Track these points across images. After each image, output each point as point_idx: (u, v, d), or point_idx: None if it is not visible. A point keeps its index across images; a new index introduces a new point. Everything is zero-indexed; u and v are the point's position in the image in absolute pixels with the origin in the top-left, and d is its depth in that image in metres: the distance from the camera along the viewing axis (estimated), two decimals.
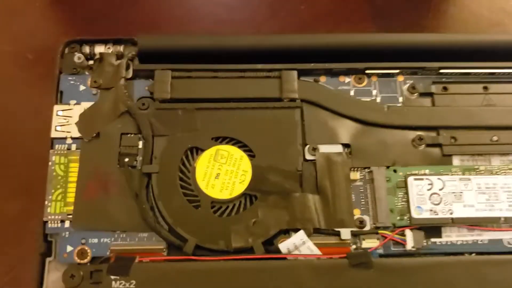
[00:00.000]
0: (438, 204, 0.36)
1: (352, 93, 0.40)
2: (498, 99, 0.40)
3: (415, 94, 0.40)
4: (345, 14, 0.50)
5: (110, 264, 0.34)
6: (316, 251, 0.35)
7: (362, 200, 0.37)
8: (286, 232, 0.36)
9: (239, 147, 0.38)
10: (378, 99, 0.40)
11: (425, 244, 0.36)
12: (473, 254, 0.37)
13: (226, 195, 0.36)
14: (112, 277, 0.34)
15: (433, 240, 0.36)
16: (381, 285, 0.35)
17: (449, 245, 0.36)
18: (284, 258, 0.35)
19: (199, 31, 0.49)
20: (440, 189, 0.37)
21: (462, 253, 0.36)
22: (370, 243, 0.36)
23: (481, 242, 0.37)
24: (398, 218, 0.36)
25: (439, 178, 0.37)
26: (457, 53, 0.40)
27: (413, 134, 0.39)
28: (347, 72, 0.40)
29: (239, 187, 0.36)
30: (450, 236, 0.37)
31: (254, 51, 0.40)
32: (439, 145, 0.39)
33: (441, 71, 0.41)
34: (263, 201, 0.36)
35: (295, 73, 0.39)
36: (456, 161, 0.38)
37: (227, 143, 0.38)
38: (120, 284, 0.34)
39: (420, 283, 0.35)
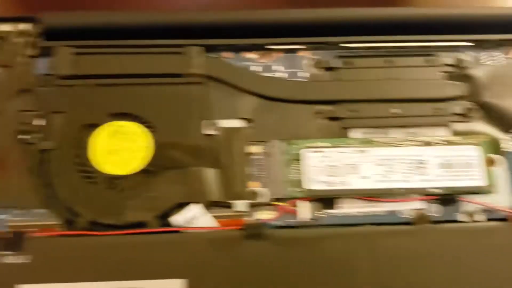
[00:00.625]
0: (333, 176, 0.37)
1: (257, 68, 0.40)
2: (402, 73, 0.40)
3: (319, 69, 0.40)
4: None
5: (1, 239, 0.34)
6: (212, 223, 0.36)
7: (261, 173, 0.37)
8: (183, 206, 0.36)
9: (140, 123, 0.38)
10: (283, 74, 0.40)
11: (320, 215, 0.37)
12: (372, 225, 0.37)
13: (123, 171, 0.36)
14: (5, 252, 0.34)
15: (328, 211, 0.37)
16: (276, 256, 0.35)
17: (345, 217, 0.37)
18: (178, 232, 0.35)
19: None
20: (336, 161, 0.37)
21: (357, 224, 0.37)
22: (265, 215, 0.36)
23: (376, 213, 0.37)
24: (293, 190, 0.37)
25: (335, 151, 0.37)
26: (362, 27, 0.41)
27: (313, 108, 0.39)
28: (252, 48, 0.40)
29: (138, 163, 0.37)
30: (346, 208, 0.37)
31: (159, 27, 0.40)
32: (338, 119, 0.39)
33: (347, 45, 0.41)
34: (160, 176, 0.36)
35: (198, 48, 0.40)
36: (355, 133, 0.39)
37: (126, 119, 0.38)
38: (16, 258, 0.34)
39: (314, 253, 0.35)
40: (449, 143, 0.38)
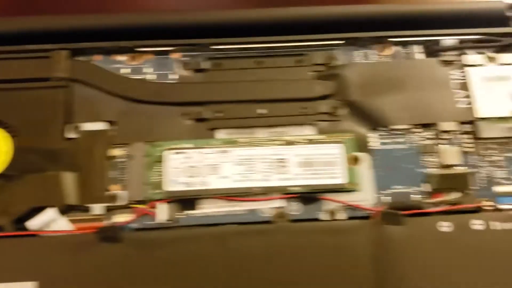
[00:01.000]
0: (193, 176, 0.37)
1: (126, 71, 0.40)
2: (272, 73, 0.40)
3: (189, 71, 0.40)
4: None
5: None
6: (68, 227, 0.36)
7: (123, 176, 0.37)
8: (40, 210, 0.36)
9: (3, 128, 0.38)
10: (152, 76, 0.40)
11: (180, 216, 0.37)
12: (231, 225, 0.37)
13: None
14: None
15: (188, 212, 0.37)
16: (131, 258, 0.35)
17: (205, 217, 0.37)
18: (33, 235, 0.35)
19: None
20: (198, 162, 0.37)
21: (217, 224, 0.37)
22: (123, 218, 0.36)
23: (237, 213, 0.37)
24: (153, 192, 0.37)
25: (198, 152, 0.37)
26: (233, 28, 0.41)
27: (180, 109, 0.39)
28: (121, 50, 0.41)
29: None
30: (206, 208, 0.37)
31: (26, 32, 0.40)
32: (205, 120, 0.39)
33: (217, 46, 0.41)
34: (18, 181, 0.36)
35: (65, 52, 0.40)
36: (221, 134, 0.39)
37: None
38: None
39: (171, 255, 0.35)
40: (312, 141, 0.38)
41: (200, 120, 0.39)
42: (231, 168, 0.37)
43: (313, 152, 0.38)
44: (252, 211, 0.37)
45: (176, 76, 0.40)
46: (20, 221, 0.36)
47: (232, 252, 0.35)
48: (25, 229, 0.36)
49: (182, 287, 0.35)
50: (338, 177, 0.37)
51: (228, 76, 0.40)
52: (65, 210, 0.36)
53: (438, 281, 0.35)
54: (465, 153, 0.39)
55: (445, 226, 0.36)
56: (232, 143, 0.38)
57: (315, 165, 0.37)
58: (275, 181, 0.37)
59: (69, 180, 0.37)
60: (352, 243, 0.36)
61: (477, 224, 0.36)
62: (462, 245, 0.36)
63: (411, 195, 0.38)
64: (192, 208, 0.37)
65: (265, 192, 0.37)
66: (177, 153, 0.37)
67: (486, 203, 0.37)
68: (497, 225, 0.36)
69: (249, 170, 0.37)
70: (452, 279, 0.35)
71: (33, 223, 0.36)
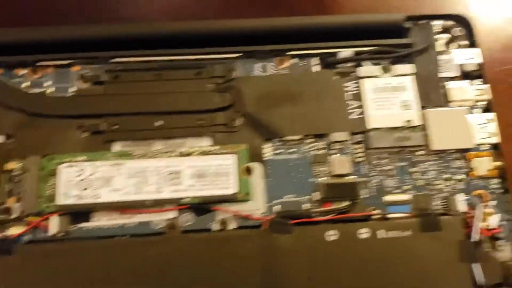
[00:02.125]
0: (85, 189, 0.37)
1: (26, 84, 0.41)
2: (171, 86, 0.41)
3: (88, 83, 0.41)
4: None
5: None
6: None
7: (19, 189, 0.38)
8: None
9: None
10: (52, 90, 0.41)
11: (71, 229, 0.37)
12: (122, 237, 0.37)
13: None
14: None
15: (80, 225, 0.37)
16: (24, 270, 0.36)
17: (98, 229, 0.38)
18: None
19: None
20: (91, 175, 0.38)
21: (109, 236, 0.37)
22: (16, 230, 0.37)
23: (129, 225, 0.38)
24: (46, 205, 0.37)
25: (92, 164, 0.38)
26: (134, 41, 0.41)
27: (77, 122, 0.40)
28: (21, 64, 0.41)
29: None
30: (99, 221, 0.38)
31: None
32: (101, 132, 0.39)
33: (118, 60, 0.41)
34: None
35: None
36: (117, 147, 0.39)
37: None
38: None
39: (64, 267, 0.36)
40: (206, 153, 0.39)
41: (96, 132, 0.39)
42: (123, 181, 0.38)
43: (207, 163, 0.39)
44: (144, 223, 0.38)
45: (75, 89, 0.41)
46: None
47: (123, 264, 0.36)
48: None
49: None
50: (230, 188, 0.38)
51: (126, 89, 0.41)
52: None
53: (321, 286, 0.36)
54: (356, 163, 0.40)
55: (332, 234, 0.37)
56: (126, 155, 0.39)
57: (208, 176, 0.38)
58: (167, 193, 0.38)
59: None
60: (242, 252, 0.37)
61: (363, 232, 0.37)
62: (348, 253, 0.37)
63: (302, 204, 0.38)
64: (85, 220, 0.38)
65: (158, 204, 0.37)
66: (70, 166, 0.38)
67: (374, 212, 0.38)
68: (383, 234, 0.37)
69: (142, 182, 0.38)
70: (334, 285, 0.36)
71: None
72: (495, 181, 0.40)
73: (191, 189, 0.38)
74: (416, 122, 0.40)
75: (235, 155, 0.39)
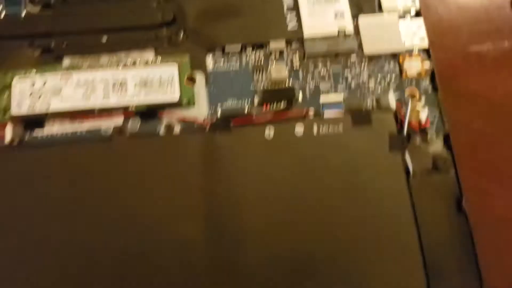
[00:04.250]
0: (38, 100, 0.40)
1: None
2: (115, 4, 0.43)
3: (36, 6, 0.43)
4: None
5: None
6: None
7: None
8: None
9: None
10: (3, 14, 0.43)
11: (26, 138, 0.40)
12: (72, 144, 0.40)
13: None
14: None
15: (34, 134, 0.40)
16: None
17: (50, 137, 0.40)
18: None
19: None
20: (42, 87, 0.40)
21: (60, 144, 0.40)
22: None
23: (78, 132, 0.40)
24: (1, 114, 0.39)
25: (43, 77, 0.40)
26: None
27: (28, 42, 0.42)
28: None
29: None
30: (51, 130, 0.40)
31: None
32: (51, 50, 0.42)
33: None
34: None
35: None
36: (66, 62, 0.42)
37: None
38: None
39: (18, 175, 0.38)
40: (150, 64, 0.41)
41: (47, 50, 0.42)
42: (72, 91, 0.40)
43: (151, 73, 0.41)
44: (93, 130, 0.40)
45: (24, 11, 0.43)
46: None
47: (75, 169, 0.38)
48: None
49: (26, 204, 0.38)
50: (175, 94, 0.40)
51: (74, 9, 0.43)
52: None
53: (261, 184, 0.39)
54: (294, 70, 0.42)
55: (270, 133, 0.40)
56: (75, 67, 0.41)
57: (153, 85, 0.40)
58: (114, 101, 0.40)
59: None
60: (187, 153, 0.39)
61: (299, 130, 0.40)
62: (286, 150, 0.39)
63: (243, 110, 0.41)
64: (37, 128, 0.40)
65: (105, 112, 0.40)
66: (23, 79, 0.40)
67: (310, 113, 0.41)
68: (317, 130, 0.40)
69: (90, 91, 0.40)
70: (273, 182, 0.39)
71: None
72: (425, 81, 0.42)
73: (137, 96, 0.40)
74: (349, 29, 0.43)
75: (177, 64, 0.41)
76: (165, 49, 0.42)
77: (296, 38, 0.43)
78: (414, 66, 0.42)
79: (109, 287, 0.36)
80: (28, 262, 0.36)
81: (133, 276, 0.36)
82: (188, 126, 0.41)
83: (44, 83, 0.40)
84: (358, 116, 0.40)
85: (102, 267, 0.36)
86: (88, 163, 0.39)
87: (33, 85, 0.40)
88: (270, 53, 0.43)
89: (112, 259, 0.37)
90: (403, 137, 0.40)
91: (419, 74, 0.42)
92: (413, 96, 0.42)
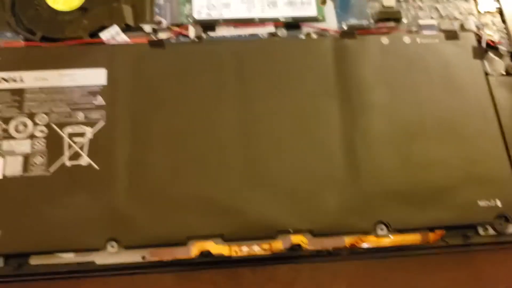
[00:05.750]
0: (212, 9, 0.54)
1: None
2: None
3: None
4: None
5: None
6: (126, 39, 0.53)
7: (161, 10, 0.55)
8: (107, 27, 0.53)
9: None
10: None
11: (204, 36, 0.54)
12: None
13: (66, 8, 0.53)
14: None
15: (209, 33, 0.54)
16: (172, 60, 0.51)
17: (221, 37, 0.54)
18: (102, 43, 0.52)
19: None
20: (215, 1, 0.55)
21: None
22: (165, 35, 0.54)
23: (243, 35, 0.54)
24: (185, 19, 0.54)
25: None
26: None
27: None
28: None
29: (76, 3, 0.54)
30: (222, 31, 0.54)
31: None
32: None
33: None
34: (93, 10, 0.53)
35: None
36: None
37: None
38: None
39: (199, 61, 0.52)
40: None
41: None
42: (239, 5, 0.55)
43: None
44: (253, 34, 0.54)
45: None
46: (94, 35, 0.53)
47: (240, 58, 0.52)
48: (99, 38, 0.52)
49: (218, 79, 0.51)
50: (312, 11, 0.55)
51: None
52: (125, 29, 0.53)
53: (378, 76, 0.52)
54: (398, 0, 0.57)
55: (385, 40, 0.54)
56: None
57: (297, 4, 0.55)
58: (269, 13, 0.55)
59: (127, 10, 0.54)
60: (321, 52, 0.53)
61: (406, 39, 0.54)
62: (397, 52, 0.53)
63: (363, 24, 0.55)
64: (212, 31, 0.54)
65: (262, 22, 0.54)
66: None
67: (413, 29, 0.55)
68: (418, 41, 0.54)
69: (251, 6, 0.55)
70: (387, 77, 0.52)
71: (104, 34, 0.52)
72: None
73: (285, 11, 0.55)
74: None
75: None
76: None
77: None
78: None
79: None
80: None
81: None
82: (322, 33, 0.55)
83: None
84: (449, 33, 0.55)
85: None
86: (251, 53, 0.52)
87: None
88: None
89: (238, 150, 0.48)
90: (482, 48, 0.54)
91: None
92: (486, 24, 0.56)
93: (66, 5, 0.53)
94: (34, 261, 0.43)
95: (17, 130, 0.46)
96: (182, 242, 0.44)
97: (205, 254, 0.44)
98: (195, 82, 0.50)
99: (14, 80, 0.48)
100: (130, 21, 0.53)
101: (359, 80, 0.51)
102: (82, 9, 0.53)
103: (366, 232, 0.45)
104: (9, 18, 0.52)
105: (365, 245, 0.45)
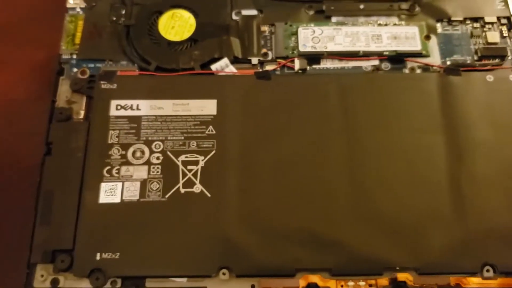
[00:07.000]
0: (317, 43, 0.56)
1: None
2: None
3: None
4: None
5: (100, 74, 0.54)
6: (235, 70, 0.55)
7: (269, 44, 0.57)
8: (217, 60, 0.55)
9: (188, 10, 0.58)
10: None
11: (308, 68, 0.55)
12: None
13: (177, 38, 0.56)
14: (102, 82, 0.53)
15: (314, 66, 0.56)
16: (277, 91, 0.53)
17: (325, 70, 0.55)
18: (212, 74, 0.55)
19: None
20: (320, 34, 0.56)
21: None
22: (271, 66, 0.55)
23: (346, 68, 0.56)
24: (291, 52, 0.56)
25: (320, 28, 0.57)
26: None
27: (306, 5, 0.58)
28: None
29: (187, 34, 0.56)
30: (326, 64, 0.56)
31: None
32: (323, 11, 0.58)
33: None
34: (202, 42, 0.56)
35: None
36: (333, 19, 0.58)
37: (180, 7, 0.58)
38: (105, 85, 0.53)
39: (303, 90, 0.53)
40: (397, 25, 0.57)
41: (320, 11, 0.58)
42: (342, 39, 0.56)
43: (399, 31, 0.56)
44: (357, 67, 0.55)
45: None
46: (206, 65, 0.55)
47: (345, 91, 0.53)
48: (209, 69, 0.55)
49: (318, 109, 0.52)
50: (416, 47, 0.55)
51: None
52: (233, 60, 0.55)
53: (483, 113, 0.52)
54: (503, 36, 0.57)
55: (489, 77, 0.54)
56: (342, 24, 0.57)
57: (401, 39, 0.56)
58: (372, 47, 0.55)
59: (236, 42, 0.56)
60: (426, 87, 0.53)
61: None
62: (502, 90, 0.53)
63: (466, 61, 0.56)
64: (317, 63, 0.55)
65: (365, 55, 0.55)
66: (305, 28, 0.56)
67: None
68: None
69: (355, 40, 0.56)
70: (493, 114, 0.52)
71: (214, 66, 0.55)
72: None
73: (389, 46, 0.55)
74: None
75: (417, 27, 0.57)
76: (405, 17, 0.57)
77: (504, 14, 0.57)
78: None
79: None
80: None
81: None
82: (426, 69, 0.55)
83: (321, 32, 0.56)
84: None
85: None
86: (353, 85, 0.53)
87: (313, 32, 0.56)
88: (485, 24, 0.57)
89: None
90: None
91: None
92: None
93: (178, 36, 0.55)
94: (149, 284, 0.45)
95: (134, 156, 0.48)
96: (291, 274, 0.45)
97: (312, 286, 0.44)
98: (300, 113, 0.51)
99: (132, 108, 0.51)
100: (238, 53, 0.55)
101: (464, 118, 0.51)
102: (192, 40, 0.55)
103: (473, 273, 0.45)
104: (124, 47, 0.55)
105: (470, 285, 0.45)
